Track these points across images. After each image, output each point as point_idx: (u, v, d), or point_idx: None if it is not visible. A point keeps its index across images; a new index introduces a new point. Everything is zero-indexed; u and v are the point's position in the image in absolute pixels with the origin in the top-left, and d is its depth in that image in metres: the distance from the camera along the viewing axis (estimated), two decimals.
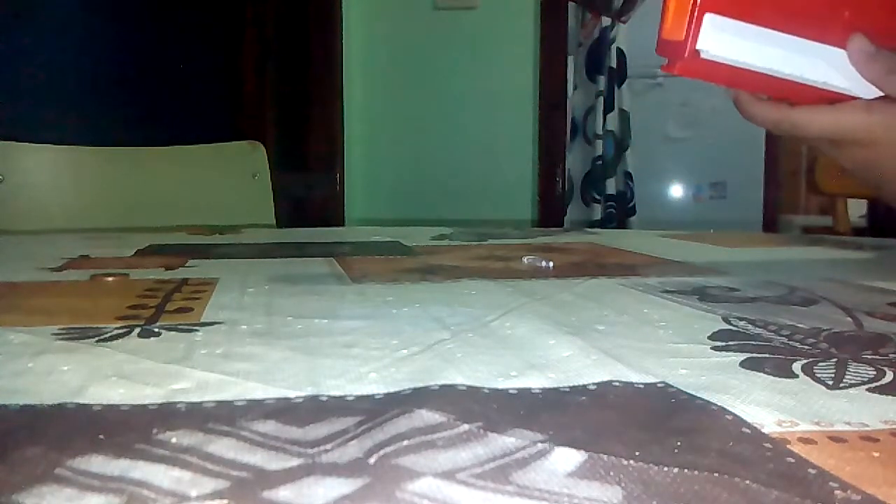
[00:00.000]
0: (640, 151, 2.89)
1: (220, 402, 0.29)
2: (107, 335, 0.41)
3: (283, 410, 0.29)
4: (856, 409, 0.29)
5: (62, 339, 0.40)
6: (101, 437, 0.25)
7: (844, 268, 0.76)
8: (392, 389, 0.31)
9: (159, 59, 2.58)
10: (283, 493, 0.21)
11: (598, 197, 2.77)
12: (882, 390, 0.32)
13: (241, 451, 0.24)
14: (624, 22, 2.74)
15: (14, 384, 0.32)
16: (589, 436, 0.26)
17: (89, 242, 0.93)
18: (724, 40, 0.47)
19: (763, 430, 0.27)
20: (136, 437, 0.25)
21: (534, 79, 2.57)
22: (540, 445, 0.24)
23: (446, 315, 0.47)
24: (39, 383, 0.32)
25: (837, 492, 0.22)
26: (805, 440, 0.26)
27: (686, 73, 0.48)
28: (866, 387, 0.32)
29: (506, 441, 0.25)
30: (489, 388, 0.31)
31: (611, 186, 2.77)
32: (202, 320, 0.46)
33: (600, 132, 2.74)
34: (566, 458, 0.23)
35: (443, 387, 0.31)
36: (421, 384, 0.32)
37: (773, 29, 0.48)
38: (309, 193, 2.35)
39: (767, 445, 0.25)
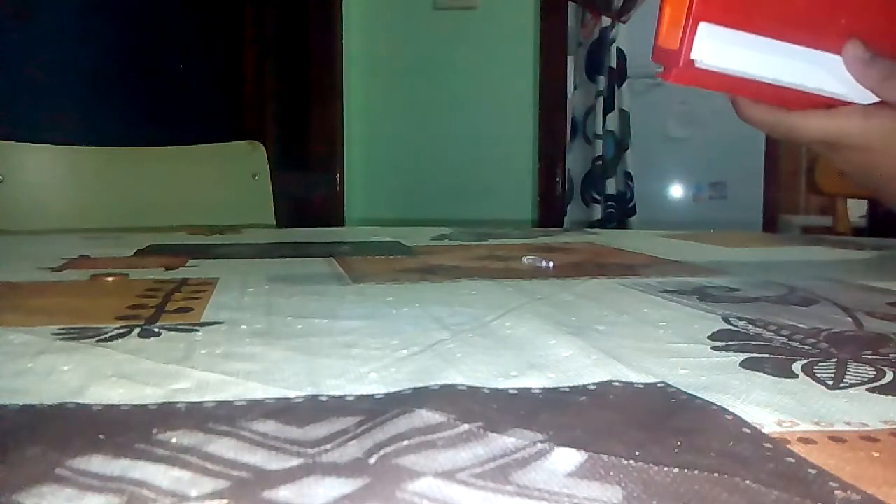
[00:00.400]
0: (640, 151, 2.89)
1: (220, 402, 0.29)
2: (107, 335, 0.41)
3: (283, 410, 0.29)
4: (856, 409, 0.29)
5: (62, 339, 0.40)
6: (101, 437, 0.25)
7: (844, 268, 0.76)
8: (392, 389, 0.31)
9: (159, 58, 2.58)
10: (283, 493, 0.21)
11: (598, 197, 2.77)
12: (882, 390, 0.32)
13: (241, 451, 0.24)
14: (624, 22, 2.74)
15: (14, 384, 0.32)
16: (589, 436, 0.26)
17: (89, 242, 0.93)
18: (719, 49, 0.47)
19: (763, 430, 0.27)
20: (136, 437, 0.25)
21: (534, 79, 2.57)
22: (540, 445, 0.24)
23: (446, 315, 0.47)
24: (39, 383, 0.32)
25: (837, 492, 0.22)
26: (805, 440, 0.26)
27: (680, 80, 0.48)
28: (866, 387, 0.32)
29: (506, 441, 0.25)
30: (489, 388, 0.31)
31: (611, 186, 2.77)
32: (202, 320, 0.46)
33: (600, 132, 2.74)
34: (566, 458, 0.23)
35: (443, 387, 0.31)
36: (421, 384, 0.32)
37: (769, 37, 0.48)
38: (309, 193, 2.35)
39: (767, 445, 0.25)
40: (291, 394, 0.31)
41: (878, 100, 0.50)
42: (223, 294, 0.55)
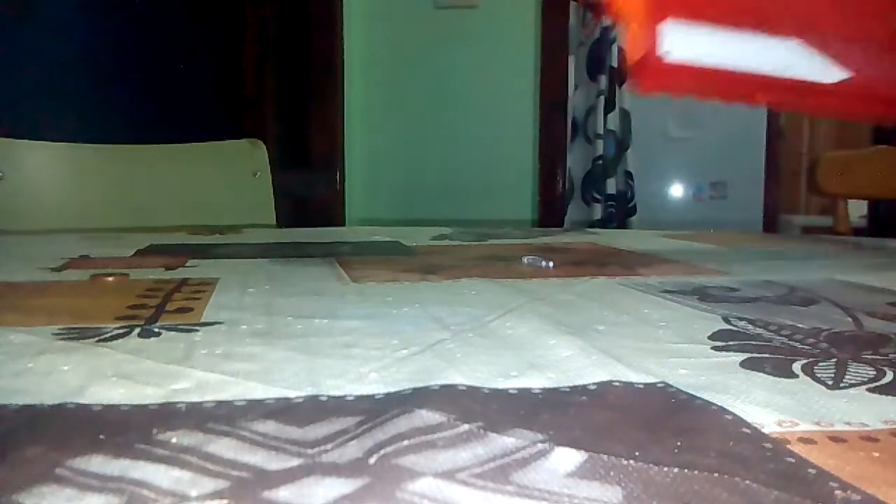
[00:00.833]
0: (641, 151, 2.89)
1: (220, 402, 0.29)
2: (107, 335, 0.41)
3: (283, 410, 0.29)
4: (856, 409, 0.29)
5: (62, 339, 0.40)
6: (101, 437, 0.25)
7: (844, 268, 0.75)
8: (392, 389, 0.31)
9: (160, 57, 2.58)
10: (283, 493, 0.21)
11: (598, 197, 2.77)
12: (882, 390, 0.32)
13: (241, 451, 0.24)
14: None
15: (14, 384, 0.32)
16: (589, 436, 0.26)
17: (89, 242, 0.93)
18: (686, 42, 0.47)
19: (763, 430, 0.27)
20: (136, 437, 0.25)
21: (534, 78, 2.57)
22: (540, 445, 0.24)
23: (446, 315, 0.47)
24: (39, 383, 0.32)
25: (837, 492, 0.22)
26: (805, 440, 0.26)
27: (656, 86, 0.48)
28: (866, 387, 0.32)
29: (506, 441, 0.25)
30: (489, 388, 0.31)
31: (611, 186, 2.77)
32: (202, 320, 0.46)
33: (601, 132, 2.74)
34: (566, 458, 0.23)
35: (443, 387, 0.31)
36: (421, 384, 0.32)
37: (731, 26, 0.48)
38: (309, 193, 2.35)
39: (767, 445, 0.25)
40: (291, 394, 0.31)
41: (846, 77, 0.50)
42: (223, 294, 0.55)
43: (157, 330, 0.43)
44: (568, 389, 0.32)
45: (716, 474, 0.22)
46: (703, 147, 3.56)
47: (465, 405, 0.29)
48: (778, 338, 0.41)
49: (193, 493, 0.21)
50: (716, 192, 3.60)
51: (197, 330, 0.43)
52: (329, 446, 0.25)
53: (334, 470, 0.23)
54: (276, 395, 0.31)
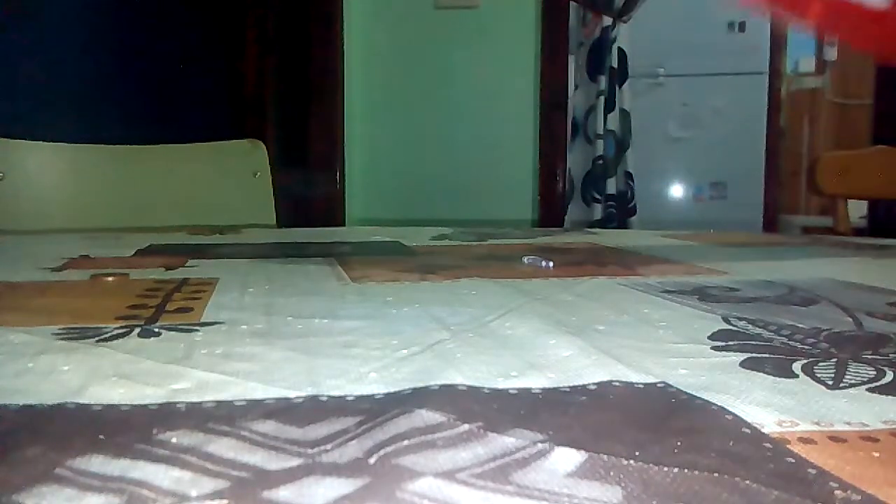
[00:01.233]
0: (641, 151, 2.89)
1: (220, 402, 0.29)
2: (107, 335, 0.41)
3: (283, 410, 0.29)
4: (856, 409, 0.29)
5: (62, 339, 0.40)
6: (101, 437, 0.25)
7: (844, 268, 0.75)
8: (392, 389, 0.31)
9: (160, 58, 2.58)
10: (283, 493, 0.21)
11: (598, 197, 2.77)
12: (882, 390, 0.32)
13: (241, 451, 0.24)
14: (625, 21, 2.74)
15: (14, 384, 0.32)
16: (589, 436, 0.26)
17: (89, 242, 0.93)
18: None
19: (763, 430, 0.27)
20: (136, 437, 0.25)
21: (535, 78, 2.57)
22: (540, 445, 0.24)
23: (446, 315, 0.47)
24: (39, 383, 0.32)
25: (837, 492, 0.22)
26: (805, 440, 0.26)
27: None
28: (866, 387, 0.32)
29: (506, 441, 0.25)
30: (489, 388, 0.31)
31: (611, 186, 2.77)
32: (202, 320, 0.46)
33: (601, 132, 2.74)
34: (566, 458, 0.23)
35: (443, 387, 0.31)
36: (421, 384, 0.32)
37: None
38: (309, 193, 2.35)
39: (767, 445, 0.25)
40: (291, 394, 0.31)
41: None
42: (223, 294, 0.55)
43: (157, 330, 0.43)
44: (568, 389, 0.32)
45: (716, 474, 0.22)
46: (703, 147, 3.56)
47: (465, 405, 0.29)
48: (778, 338, 0.41)
49: (193, 493, 0.21)
50: (716, 192, 3.60)
51: (197, 330, 0.43)
52: (329, 446, 0.25)
53: (334, 470, 0.23)
54: (276, 395, 0.31)
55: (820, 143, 4.20)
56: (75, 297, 0.56)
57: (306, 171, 2.44)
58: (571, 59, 2.72)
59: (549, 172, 2.58)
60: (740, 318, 0.46)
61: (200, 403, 0.29)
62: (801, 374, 0.34)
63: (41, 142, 1.40)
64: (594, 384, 0.32)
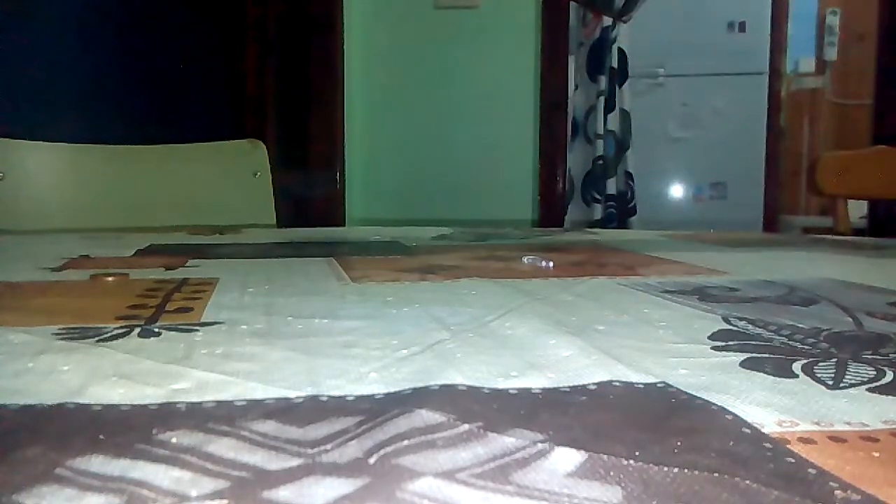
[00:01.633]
0: (641, 151, 2.89)
1: (220, 402, 0.29)
2: (107, 335, 0.41)
3: (283, 410, 0.28)
4: (856, 409, 0.29)
5: (62, 339, 0.40)
6: (101, 437, 0.25)
7: (844, 268, 0.75)
8: (392, 389, 0.31)
9: (161, 58, 2.58)
10: (283, 493, 0.21)
11: (598, 197, 2.77)
12: (882, 390, 0.32)
13: (241, 451, 0.24)
14: (625, 21, 2.74)
15: (14, 384, 0.32)
16: (589, 436, 0.26)
17: (89, 242, 0.93)
18: None
19: (763, 430, 0.27)
20: (136, 437, 0.25)
21: (535, 78, 2.57)
22: (540, 445, 0.24)
23: (446, 315, 0.47)
24: (39, 383, 0.32)
25: (837, 492, 0.22)
26: (805, 440, 0.26)
27: None
28: (866, 387, 0.32)
29: (506, 441, 0.25)
30: (489, 388, 0.31)
31: (611, 186, 2.77)
32: (202, 320, 0.46)
33: (601, 132, 2.74)
34: (566, 458, 0.23)
35: (443, 387, 0.31)
36: (421, 384, 0.32)
37: None
38: (309, 193, 2.35)
39: (767, 445, 0.25)
40: (291, 394, 0.31)
41: None
42: (223, 294, 0.55)
43: (157, 330, 0.43)
44: (568, 389, 0.32)
45: (716, 474, 0.22)
46: (703, 147, 3.56)
47: (465, 405, 0.29)
48: (778, 338, 0.41)
49: (193, 493, 0.21)
50: (716, 193, 3.60)
51: (197, 330, 0.43)
52: (329, 446, 0.25)
53: (334, 470, 0.23)
54: (276, 395, 0.31)
55: (820, 143, 4.20)
56: (75, 297, 0.56)
57: (306, 171, 2.44)
58: (571, 59, 2.72)
59: (549, 172, 2.59)
60: (740, 318, 0.46)
61: (200, 403, 0.29)
62: (801, 374, 0.34)
63: (41, 142, 1.40)
64: (594, 384, 0.32)
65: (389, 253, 0.83)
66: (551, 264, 0.71)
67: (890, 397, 0.31)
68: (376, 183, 2.62)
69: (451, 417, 0.27)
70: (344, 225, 2.39)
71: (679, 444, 0.25)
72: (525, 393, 0.31)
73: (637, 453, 0.24)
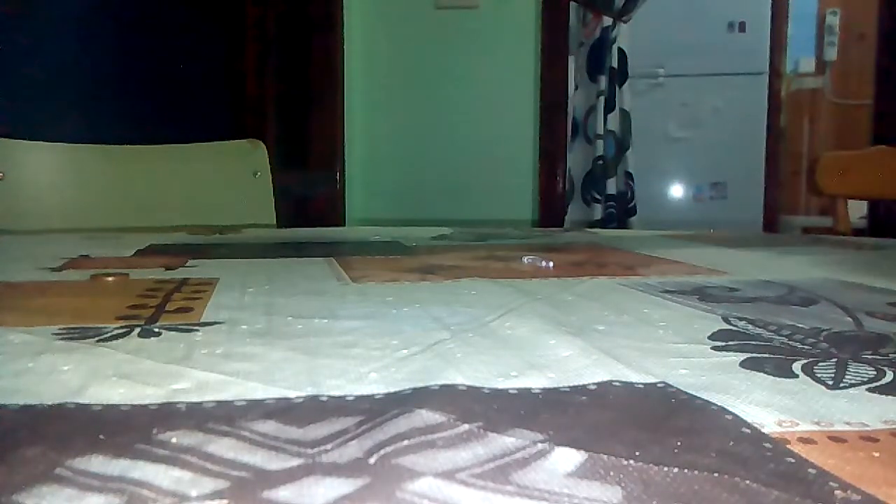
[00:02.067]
0: (641, 151, 2.89)
1: (220, 402, 0.29)
2: (107, 335, 0.41)
3: (283, 410, 0.28)
4: (856, 409, 0.29)
5: (62, 339, 0.40)
6: (101, 437, 0.25)
7: (844, 268, 0.75)
8: (392, 389, 0.31)
9: (160, 57, 2.58)
10: (283, 493, 0.21)
11: (598, 197, 2.77)
12: (882, 390, 0.32)
13: (241, 451, 0.24)
14: (625, 21, 2.74)
15: (14, 384, 0.32)
16: (589, 436, 0.26)
17: (89, 242, 0.93)
18: None
19: (763, 430, 0.27)
20: (136, 437, 0.25)
21: (535, 78, 2.57)
22: (540, 445, 0.24)
23: (446, 315, 0.47)
24: (39, 383, 0.32)
25: (837, 492, 0.22)
26: (805, 440, 0.26)
27: None
28: (866, 387, 0.32)
29: (506, 441, 0.25)
30: (489, 388, 0.31)
31: (611, 186, 2.77)
32: (202, 320, 0.46)
33: (601, 132, 2.74)
34: (566, 458, 0.23)
35: (443, 387, 0.31)
36: (421, 384, 0.32)
37: None
38: (309, 193, 2.35)
39: (767, 445, 0.25)
40: (291, 394, 0.31)
41: None
42: (223, 294, 0.55)
43: (157, 330, 0.43)
44: (568, 389, 0.32)
45: (716, 474, 0.22)
46: (703, 147, 3.56)
47: (465, 405, 0.29)
48: (778, 338, 0.41)
49: (193, 493, 0.21)
50: (716, 193, 3.60)
51: (197, 330, 0.43)
52: (329, 446, 0.25)
53: (334, 470, 0.23)
54: (276, 395, 0.31)
55: (820, 143, 4.20)
56: (75, 297, 0.56)
57: (306, 171, 2.44)
58: (571, 59, 2.72)
59: (549, 172, 2.58)
60: (740, 318, 0.46)
61: (200, 403, 0.29)
62: (801, 374, 0.34)
63: (41, 142, 1.40)
64: (594, 384, 0.32)
65: (389, 253, 0.83)
66: (551, 264, 0.71)
67: (890, 397, 0.31)
68: (376, 183, 2.62)
69: (451, 417, 0.27)
70: (344, 225, 2.39)
71: (679, 444, 0.25)
72: (525, 393, 0.31)
73: (637, 453, 0.24)
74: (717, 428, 0.27)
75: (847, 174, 1.54)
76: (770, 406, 0.29)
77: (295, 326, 0.44)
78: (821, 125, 4.26)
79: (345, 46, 2.48)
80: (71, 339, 0.40)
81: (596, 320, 0.46)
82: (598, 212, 2.77)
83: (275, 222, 1.50)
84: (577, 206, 2.79)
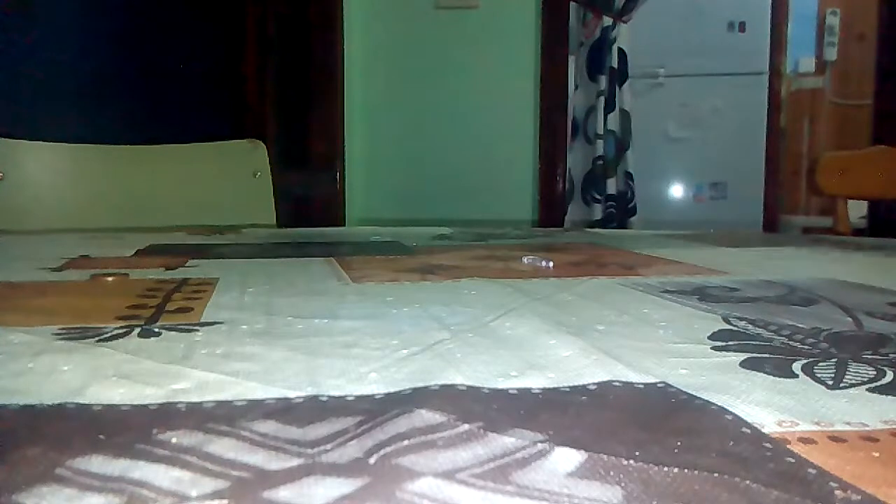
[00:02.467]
0: (641, 151, 2.89)
1: (220, 402, 0.29)
2: (107, 335, 0.41)
3: (283, 410, 0.28)
4: (856, 409, 0.29)
5: (62, 339, 0.40)
6: (101, 437, 0.25)
7: (844, 268, 0.75)
8: (392, 389, 0.31)
9: (161, 58, 2.58)
10: (283, 493, 0.21)
11: (598, 197, 2.77)
12: (882, 390, 0.32)
13: (241, 451, 0.24)
14: (625, 21, 2.74)
15: (14, 384, 0.32)
16: (589, 436, 0.26)
17: (89, 242, 0.93)
18: None
19: (763, 430, 0.27)
20: (136, 437, 0.25)
21: (535, 78, 2.57)
22: (540, 445, 0.24)
23: (446, 315, 0.47)
24: (39, 383, 0.32)
25: (837, 492, 0.22)
26: (805, 440, 0.26)
27: None
28: (866, 387, 0.32)
29: (506, 441, 0.25)
30: (489, 388, 0.31)
31: (611, 186, 2.77)
32: (202, 320, 0.46)
33: (601, 132, 2.74)
34: (566, 458, 0.23)
35: (443, 387, 0.31)
36: (421, 384, 0.32)
37: None
38: (309, 192, 2.35)
39: (767, 445, 0.25)
40: (291, 394, 0.31)
41: None
42: (223, 294, 0.55)
43: (157, 330, 0.43)
44: (568, 389, 0.32)
45: (716, 474, 0.22)
46: (703, 147, 3.56)
47: (465, 405, 0.29)
48: (778, 338, 0.41)
49: (193, 493, 0.21)
50: (716, 193, 3.60)
51: (197, 330, 0.43)
52: (329, 446, 0.25)
53: (334, 470, 0.23)
54: (276, 395, 0.31)
55: (820, 143, 4.20)
56: (75, 297, 0.56)
57: (306, 171, 2.44)
58: (571, 59, 2.72)
59: (549, 172, 2.58)
60: (740, 318, 0.46)
61: (200, 403, 0.29)
62: (801, 374, 0.34)
63: (41, 142, 1.40)
64: (594, 384, 0.32)
65: (389, 253, 0.83)
66: (551, 264, 0.71)
67: (890, 397, 0.31)
68: (376, 183, 2.62)
69: (451, 417, 0.27)
70: (344, 225, 2.39)
71: (679, 444, 0.25)
72: (525, 393, 0.31)
73: (637, 453, 0.24)
74: (716, 428, 0.27)
75: (847, 174, 1.54)
76: (770, 406, 0.29)
77: (295, 326, 0.44)
78: (821, 125, 4.26)
79: (345, 46, 2.48)
80: (71, 339, 0.40)
81: (596, 320, 0.46)
82: (598, 212, 2.77)
83: (275, 222, 1.50)
84: (577, 206, 2.79)
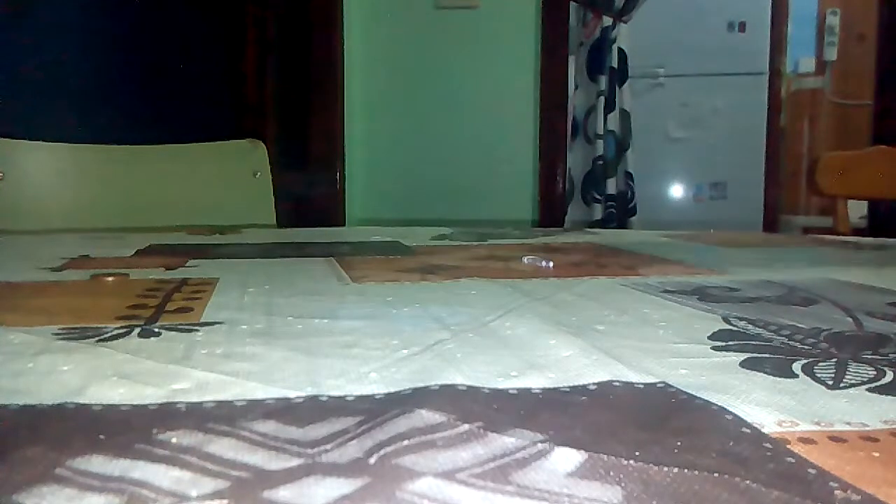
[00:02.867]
0: (641, 151, 2.89)
1: (220, 402, 0.29)
2: (107, 335, 0.41)
3: (283, 410, 0.28)
4: (856, 409, 0.29)
5: (62, 339, 0.40)
6: (101, 437, 0.25)
7: (844, 268, 0.75)
8: (392, 389, 0.31)
9: (161, 58, 2.58)
10: (283, 493, 0.21)
11: (598, 197, 2.77)
12: (882, 390, 0.32)
13: (241, 451, 0.24)
14: (625, 21, 2.74)
15: (14, 384, 0.32)
16: (589, 436, 0.26)
17: (89, 242, 0.93)
18: None
19: (763, 430, 0.27)
20: (136, 437, 0.25)
21: (535, 78, 2.57)
22: (540, 445, 0.24)
23: (446, 315, 0.47)
24: (39, 383, 0.32)
25: (837, 492, 0.22)
26: (805, 440, 0.26)
27: None
28: (866, 387, 0.32)
29: (506, 441, 0.25)
30: (489, 388, 0.31)
31: (611, 186, 2.77)
32: (202, 320, 0.46)
33: (601, 132, 2.74)
34: (566, 458, 0.23)
35: (443, 387, 0.31)
36: (421, 384, 0.32)
37: None
38: (309, 192, 2.35)
39: (767, 445, 0.25)
40: (291, 394, 0.31)
41: None
42: (223, 294, 0.55)
43: (157, 330, 0.43)
44: (568, 389, 0.32)
45: (716, 474, 0.22)
46: (703, 147, 3.56)
47: (465, 405, 0.29)
48: (778, 338, 0.41)
49: (193, 493, 0.21)
50: (716, 193, 3.60)
51: (197, 330, 0.43)
52: (329, 446, 0.25)
53: (334, 470, 0.23)
54: (276, 395, 0.31)
55: (820, 143, 4.20)
56: (75, 297, 0.56)
57: (306, 171, 2.44)
58: (571, 59, 2.72)
59: (549, 172, 2.58)
60: (740, 318, 0.46)
61: (200, 403, 0.29)
62: (801, 374, 0.34)
63: (41, 142, 1.40)
64: (594, 384, 0.32)
65: (389, 253, 0.83)
66: (551, 264, 0.71)
67: (890, 397, 0.31)
68: (376, 183, 2.62)
69: (451, 417, 0.27)
70: (344, 225, 2.39)
71: (679, 444, 0.25)
72: (525, 393, 0.31)
73: (637, 453, 0.24)
74: (717, 428, 0.27)
75: (847, 174, 1.54)
76: (770, 406, 0.30)
77: (295, 326, 0.44)
78: (821, 125, 4.26)
79: (345, 46, 2.48)
80: (71, 339, 0.40)
81: (596, 320, 0.46)
82: (598, 212, 2.77)
83: (275, 222, 1.50)
84: (577, 206, 2.79)
